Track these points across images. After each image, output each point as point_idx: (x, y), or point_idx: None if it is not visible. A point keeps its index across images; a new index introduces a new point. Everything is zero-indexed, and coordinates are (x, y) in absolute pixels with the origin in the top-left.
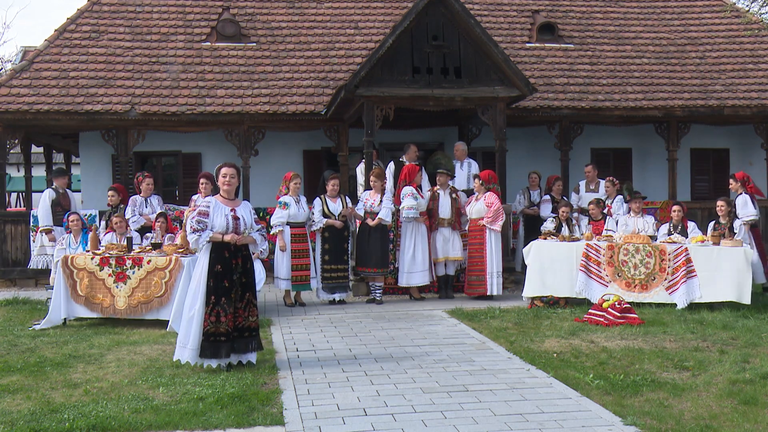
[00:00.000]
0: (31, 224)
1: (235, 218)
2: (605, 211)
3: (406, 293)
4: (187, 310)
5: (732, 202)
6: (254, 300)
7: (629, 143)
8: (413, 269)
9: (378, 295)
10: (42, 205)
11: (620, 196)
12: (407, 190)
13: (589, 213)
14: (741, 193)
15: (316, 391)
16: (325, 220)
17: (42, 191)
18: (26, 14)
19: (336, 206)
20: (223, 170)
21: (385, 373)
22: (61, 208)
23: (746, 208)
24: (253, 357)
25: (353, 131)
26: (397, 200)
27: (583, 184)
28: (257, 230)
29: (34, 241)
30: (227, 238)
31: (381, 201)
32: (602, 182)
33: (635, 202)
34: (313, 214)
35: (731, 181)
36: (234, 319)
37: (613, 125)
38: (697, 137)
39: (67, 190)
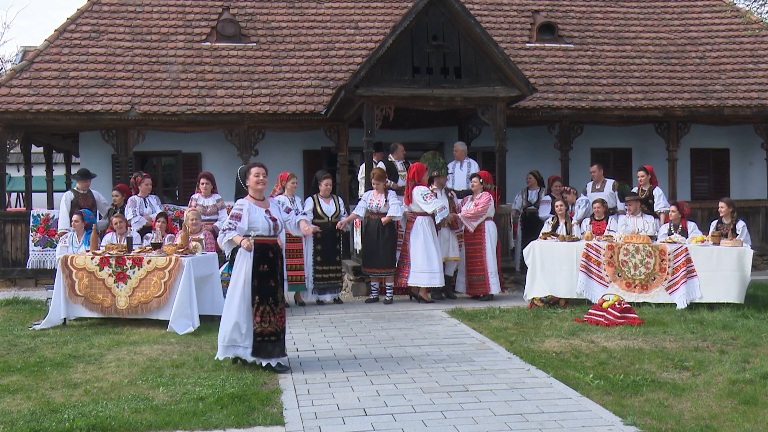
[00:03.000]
0: (31, 224)
1: (273, 219)
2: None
3: (406, 293)
4: (230, 311)
5: (730, 201)
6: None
7: (629, 143)
8: (432, 269)
9: (389, 295)
10: (60, 209)
11: (582, 198)
12: (423, 190)
13: (593, 212)
14: (655, 186)
15: (316, 391)
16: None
17: (42, 191)
18: (26, 14)
19: (329, 207)
20: (255, 170)
21: (385, 373)
22: (80, 209)
23: (664, 200)
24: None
25: (353, 131)
26: (407, 200)
27: (590, 185)
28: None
29: (33, 242)
30: (244, 243)
31: (386, 201)
32: (609, 182)
33: (632, 203)
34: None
35: (642, 173)
36: (279, 319)
37: (613, 125)
38: (697, 137)
39: (93, 191)
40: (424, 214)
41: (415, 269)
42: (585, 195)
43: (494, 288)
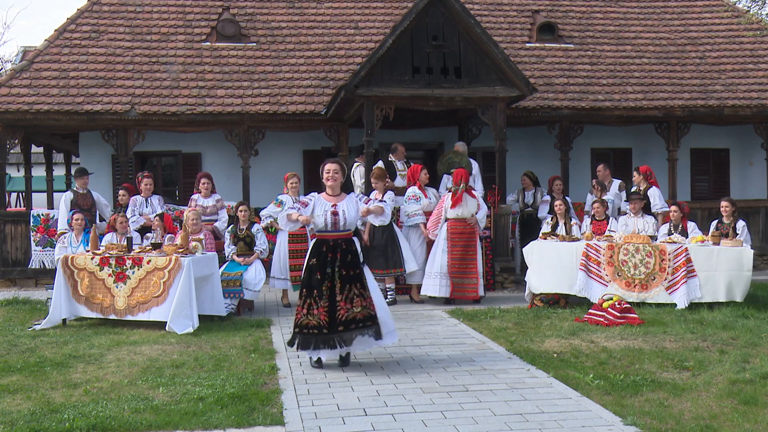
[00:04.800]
0: (32, 224)
1: (334, 213)
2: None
3: (406, 293)
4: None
5: (733, 201)
6: (364, 291)
7: (629, 143)
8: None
9: (390, 295)
10: (60, 209)
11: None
12: (411, 191)
13: (593, 212)
14: (651, 187)
15: (316, 391)
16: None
17: (42, 191)
18: (26, 14)
19: None
20: (327, 166)
21: (385, 373)
22: (79, 209)
23: (661, 200)
24: (369, 345)
25: (353, 131)
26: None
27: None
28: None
29: (34, 241)
30: (302, 218)
31: (382, 200)
32: (615, 182)
33: (634, 202)
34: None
35: (635, 173)
36: (331, 313)
37: (613, 125)
38: (697, 137)
39: (92, 192)
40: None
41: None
42: (591, 195)
43: (427, 289)
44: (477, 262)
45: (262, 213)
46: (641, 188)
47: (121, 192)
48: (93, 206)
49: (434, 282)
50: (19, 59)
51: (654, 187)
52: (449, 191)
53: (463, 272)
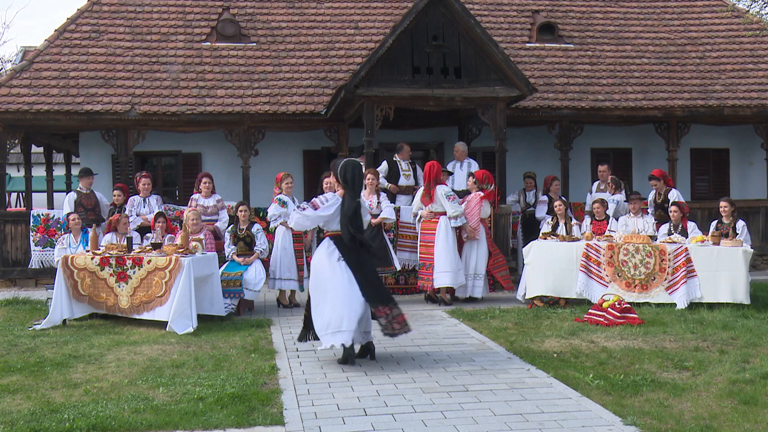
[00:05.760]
0: (31, 224)
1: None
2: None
3: (406, 293)
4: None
5: (732, 201)
6: None
7: (629, 143)
8: (456, 268)
9: None
10: (64, 209)
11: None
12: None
13: (593, 212)
14: (671, 189)
15: (316, 391)
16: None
17: (42, 191)
18: (26, 14)
19: None
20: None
21: (385, 373)
22: (83, 209)
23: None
24: None
25: (353, 131)
26: (427, 200)
27: (595, 185)
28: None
29: (34, 241)
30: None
31: (378, 201)
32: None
33: (634, 202)
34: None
35: (654, 181)
36: None
37: (613, 125)
38: (697, 137)
39: (95, 192)
40: (445, 213)
41: (438, 269)
42: (591, 194)
43: (476, 291)
44: (502, 254)
45: (270, 215)
46: (662, 192)
47: (115, 192)
48: (96, 206)
49: (481, 283)
50: (19, 59)
51: (673, 189)
52: (477, 189)
53: (501, 265)
